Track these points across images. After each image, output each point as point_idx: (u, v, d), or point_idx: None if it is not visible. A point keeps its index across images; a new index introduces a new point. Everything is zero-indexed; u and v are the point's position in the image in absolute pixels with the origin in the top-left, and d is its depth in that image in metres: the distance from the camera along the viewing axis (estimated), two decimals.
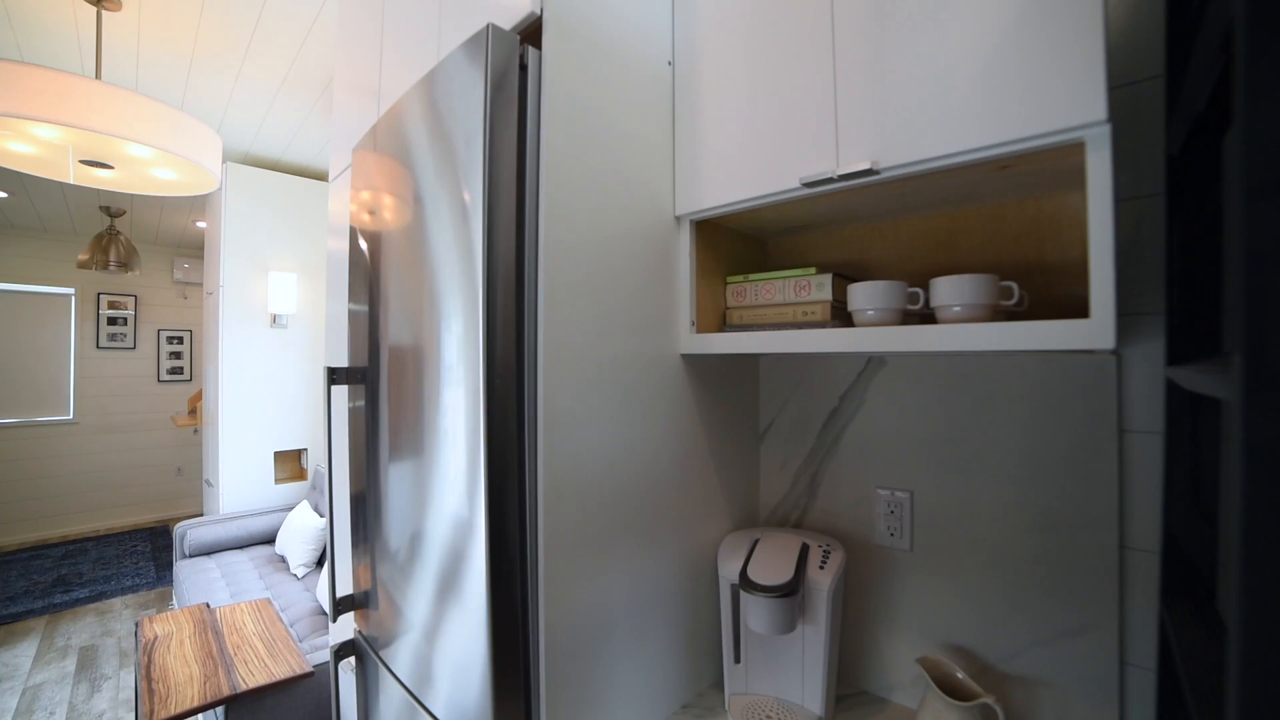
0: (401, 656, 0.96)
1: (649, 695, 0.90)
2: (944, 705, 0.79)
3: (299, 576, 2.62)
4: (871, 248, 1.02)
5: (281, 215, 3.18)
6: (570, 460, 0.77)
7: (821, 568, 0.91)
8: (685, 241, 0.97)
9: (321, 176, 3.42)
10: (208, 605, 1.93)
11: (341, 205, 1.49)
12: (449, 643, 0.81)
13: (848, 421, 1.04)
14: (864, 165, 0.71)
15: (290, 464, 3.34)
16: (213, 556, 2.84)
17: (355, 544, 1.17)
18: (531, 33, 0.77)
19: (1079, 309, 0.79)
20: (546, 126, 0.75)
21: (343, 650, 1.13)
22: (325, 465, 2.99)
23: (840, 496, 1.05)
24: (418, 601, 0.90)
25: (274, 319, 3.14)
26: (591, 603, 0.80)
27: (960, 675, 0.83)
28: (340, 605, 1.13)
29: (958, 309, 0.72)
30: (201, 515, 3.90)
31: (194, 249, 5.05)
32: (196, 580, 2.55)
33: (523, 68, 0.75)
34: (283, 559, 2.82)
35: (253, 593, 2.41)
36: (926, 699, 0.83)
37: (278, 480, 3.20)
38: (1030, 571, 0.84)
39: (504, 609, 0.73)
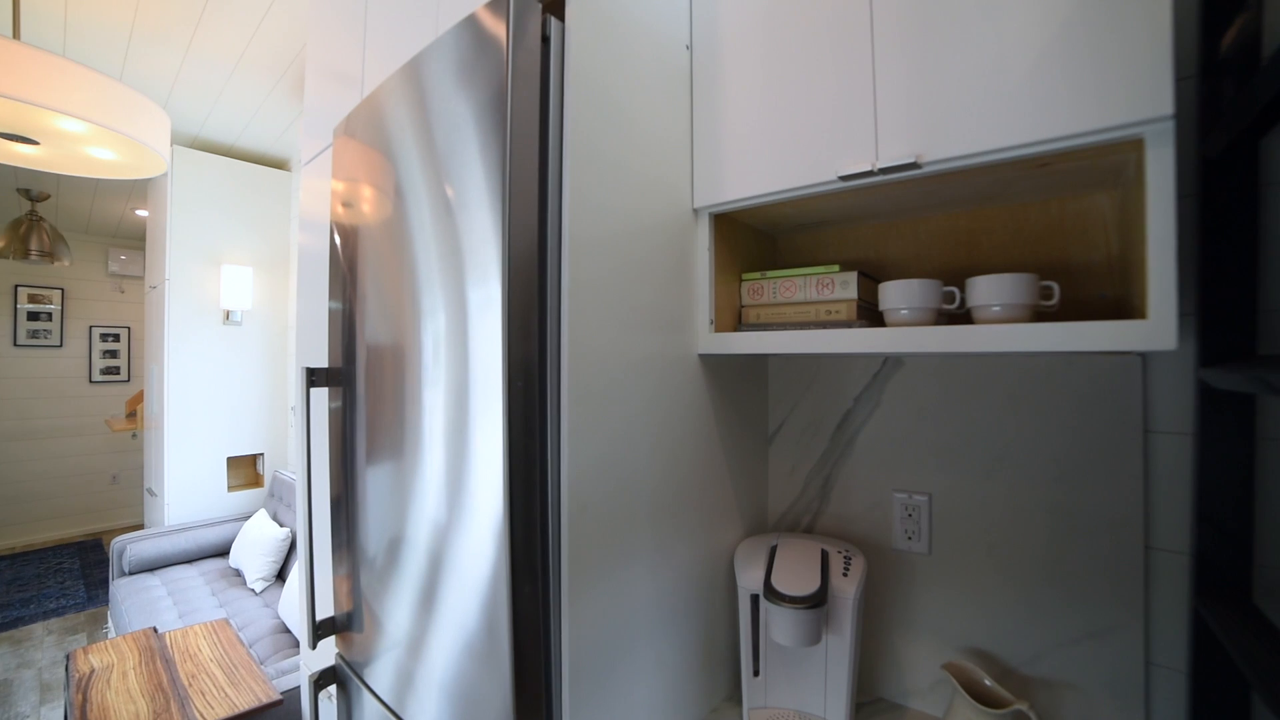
0: (393, 683, 0.87)
1: (665, 712, 0.85)
2: (975, 713, 0.77)
3: (257, 591, 2.43)
4: (888, 245, 1.00)
5: (236, 205, 2.95)
6: (595, 468, 0.71)
7: (845, 575, 0.88)
8: (704, 235, 0.92)
9: (281, 164, 3.20)
10: (154, 630, 1.75)
11: (313, 196, 1.37)
12: (454, 667, 0.74)
13: (863, 423, 1.02)
14: (908, 159, 0.68)
15: (245, 470, 3.11)
16: (157, 573, 2.61)
17: (332, 559, 1.06)
18: (552, 2, 0.71)
19: (1106, 310, 0.80)
20: (570, 106, 0.68)
21: (323, 679, 1.02)
22: (285, 472, 2.79)
23: (855, 500, 1.03)
24: (414, 623, 0.82)
25: (227, 315, 2.91)
26: (613, 619, 0.75)
27: (988, 681, 0.82)
28: (320, 629, 1.03)
29: (997, 309, 0.70)
30: (143, 527, 3.59)
31: (133, 239, 4.66)
32: (138, 600, 2.32)
33: (544, 39, 0.68)
34: (238, 573, 2.61)
35: (206, 612, 2.21)
36: (954, 706, 0.81)
37: (231, 488, 2.97)
38: (1052, 573, 0.84)
39: (526, 631, 0.66)
